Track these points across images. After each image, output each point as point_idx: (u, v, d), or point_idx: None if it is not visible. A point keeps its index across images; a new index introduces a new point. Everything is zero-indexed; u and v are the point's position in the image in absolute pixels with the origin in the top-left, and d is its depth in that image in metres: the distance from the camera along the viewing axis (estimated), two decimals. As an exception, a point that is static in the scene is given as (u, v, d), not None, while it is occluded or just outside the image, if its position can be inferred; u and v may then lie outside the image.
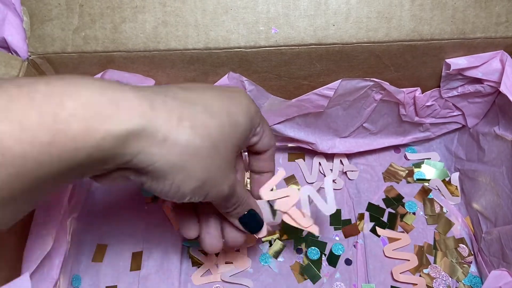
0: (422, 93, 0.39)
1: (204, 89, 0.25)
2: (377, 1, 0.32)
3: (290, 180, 0.46)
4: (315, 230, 0.33)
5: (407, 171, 0.46)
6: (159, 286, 0.40)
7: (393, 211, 0.44)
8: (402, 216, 0.44)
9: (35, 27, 0.31)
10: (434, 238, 0.43)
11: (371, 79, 0.36)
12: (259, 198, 0.32)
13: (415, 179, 0.46)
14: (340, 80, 0.36)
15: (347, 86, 0.36)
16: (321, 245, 0.42)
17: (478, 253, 0.40)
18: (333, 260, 0.41)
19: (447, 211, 0.44)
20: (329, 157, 0.46)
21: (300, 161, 0.47)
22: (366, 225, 0.43)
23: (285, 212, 0.32)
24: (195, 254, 0.41)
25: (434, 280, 0.40)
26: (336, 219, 0.44)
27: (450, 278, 0.40)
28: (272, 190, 0.32)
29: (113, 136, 0.19)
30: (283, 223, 0.33)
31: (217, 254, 0.41)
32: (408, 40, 0.33)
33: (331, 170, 0.46)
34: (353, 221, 0.43)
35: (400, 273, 0.40)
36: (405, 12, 0.32)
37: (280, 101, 0.37)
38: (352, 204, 0.44)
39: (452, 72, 0.35)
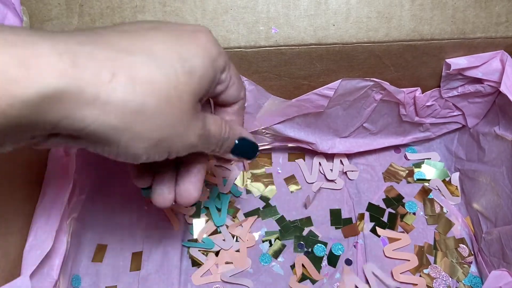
0: (422, 93, 0.39)
1: (147, 30, 0.21)
2: (377, 1, 0.32)
3: (290, 180, 0.46)
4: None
5: (407, 171, 0.46)
6: (159, 286, 0.40)
7: (393, 211, 0.44)
8: (402, 216, 0.44)
9: (35, 27, 0.31)
10: (434, 238, 0.43)
11: (371, 79, 0.36)
12: None
13: (415, 179, 0.46)
14: (340, 80, 0.36)
15: (347, 86, 0.36)
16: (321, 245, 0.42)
17: (478, 253, 0.40)
18: (333, 260, 0.41)
19: (447, 211, 0.44)
20: (329, 157, 0.46)
21: (300, 161, 0.47)
22: (366, 225, 0.43)
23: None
24: (195, 254, 0.41)
25: (434, 280, 0.40)
26: (336, 219, 0.44)
27: (450, 278, 0.40)
28: None
29: (22, 102, 0.16)
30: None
31: (217, 254, 0.41)
32: (408, 40, 0.33)
33: (331, 170, 0.46)
34: (353, 221, 0.44)
35: (400, 273, 0.40)
36: (405, 12, 0.32)
37: (280, 101, 0.37)
38: (352, 204, 0.44)
39: (452, 72, 0.35)
